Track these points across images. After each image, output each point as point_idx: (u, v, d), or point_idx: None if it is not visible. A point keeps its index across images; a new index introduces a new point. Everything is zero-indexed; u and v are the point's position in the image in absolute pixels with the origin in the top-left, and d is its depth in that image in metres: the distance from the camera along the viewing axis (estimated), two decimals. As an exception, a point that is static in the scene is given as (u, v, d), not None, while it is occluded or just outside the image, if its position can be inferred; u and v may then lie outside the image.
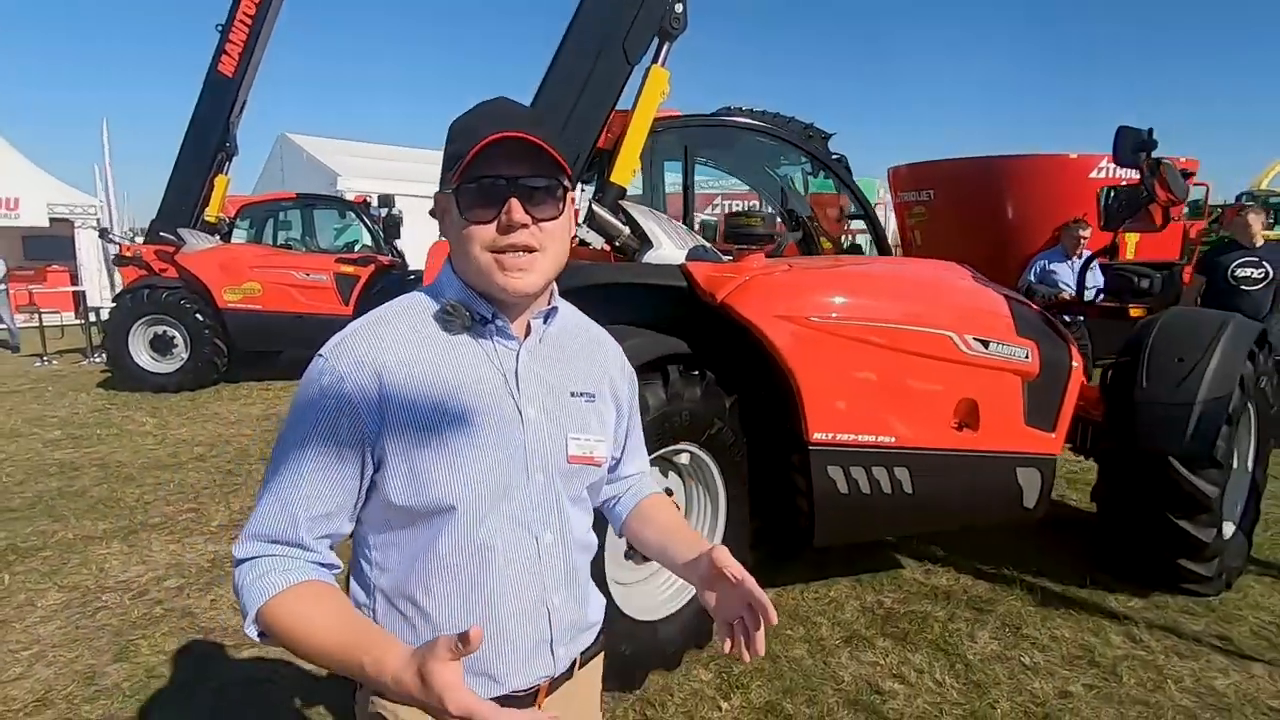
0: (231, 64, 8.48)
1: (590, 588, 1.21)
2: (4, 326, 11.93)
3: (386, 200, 10.42)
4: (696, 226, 4.29)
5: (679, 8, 3.34)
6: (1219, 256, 5.93)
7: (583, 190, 3.51)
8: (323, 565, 1.02)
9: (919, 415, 3.09)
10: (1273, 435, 3.86)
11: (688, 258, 3.16)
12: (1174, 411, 3.24)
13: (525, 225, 0.99)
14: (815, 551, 3.46)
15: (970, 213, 7.04)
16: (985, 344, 3.11)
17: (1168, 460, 3.24)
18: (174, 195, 8.80)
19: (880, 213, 5.44)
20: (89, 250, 13.74)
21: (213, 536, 4.30)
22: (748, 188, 6.06)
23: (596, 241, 3.32)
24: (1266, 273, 5.67)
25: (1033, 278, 6.12)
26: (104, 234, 11.20)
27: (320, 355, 1.03)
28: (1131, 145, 3.22)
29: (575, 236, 2.70)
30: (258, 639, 0.96)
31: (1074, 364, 3.41)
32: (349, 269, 8.94)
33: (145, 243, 9.05)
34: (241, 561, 0.99)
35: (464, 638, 0.80)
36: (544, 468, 1.08)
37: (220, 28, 8.44)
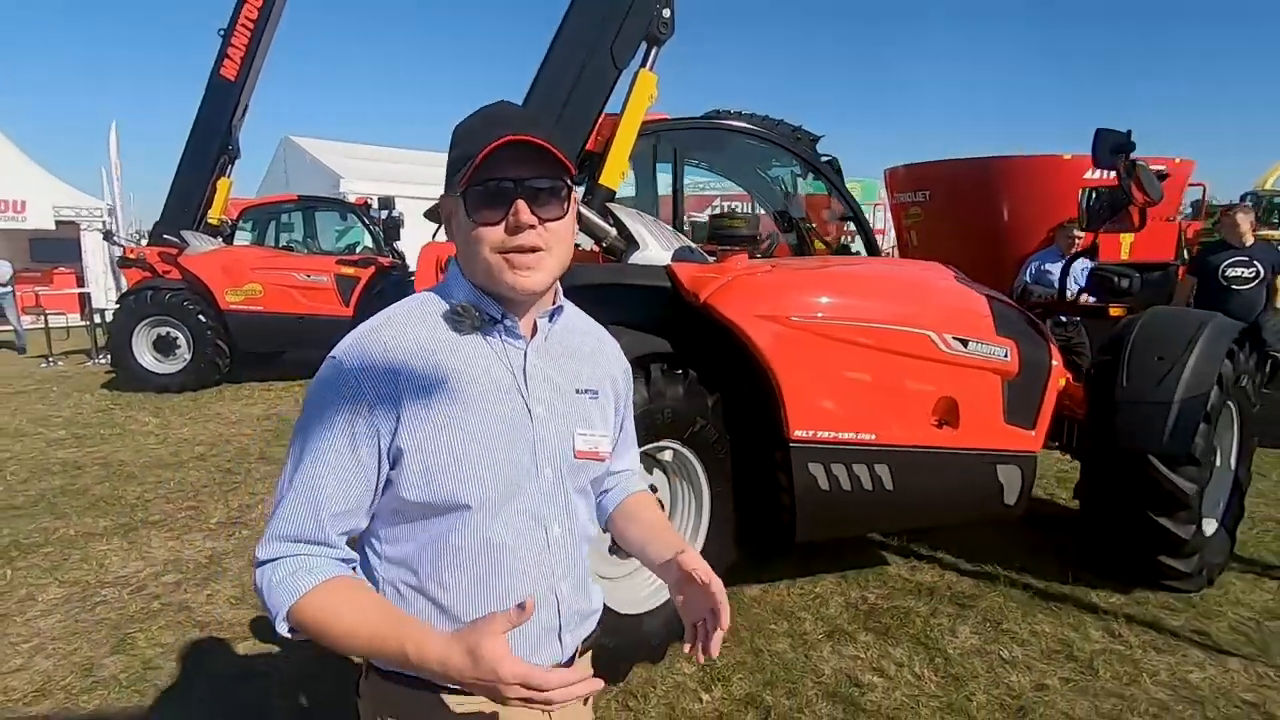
0: (234, 68, 8.56)
1: (590, 576, 1.25)
2: (11, 328, 12.03)
3: (387, 202, 10.52)
4: (689, 228, 4.34)
5: (666, 13, 3.40)
6: (1210, 257, 5.96)
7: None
8: (343, 560, 1.04)
9: (899, 413, 3.14)
10: (1257, 433, 3.89)
11: (673, 258, 3.21)
12: (1153, 410, 3.28)
13: (532, 226, 1.02)
14: (802, 548, 3.50)
15: (966, 213, 7.05)
16: (965, 343, 3.15)
17: (1147, 458, 3.27)
18: (177, 198, 8.89)
19: (880, 213, 5.47)
20: (94, 252, 13.80)
21: (211, 533, 4.37)
22: (744, 190, 6.10)
23: (585, 243, 3.38)
24: (1258, 272, 5.70)
25: (1028, 278, 6.14)
26: (108, 236, 11.30)
27: (332, 357, 1.04)
28: (1110, 147, 3.27)
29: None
30: (288, 635, 0.98)
31: (1054, 362, 3.46)
32: (349, 270, 9.04)
33: (148, 245, 9.14)
34: (265, 562, 1.00)
35: (520, 608, 0.86)
36: (553, 463, 1.10)
37: (222, 32, 8.53)
